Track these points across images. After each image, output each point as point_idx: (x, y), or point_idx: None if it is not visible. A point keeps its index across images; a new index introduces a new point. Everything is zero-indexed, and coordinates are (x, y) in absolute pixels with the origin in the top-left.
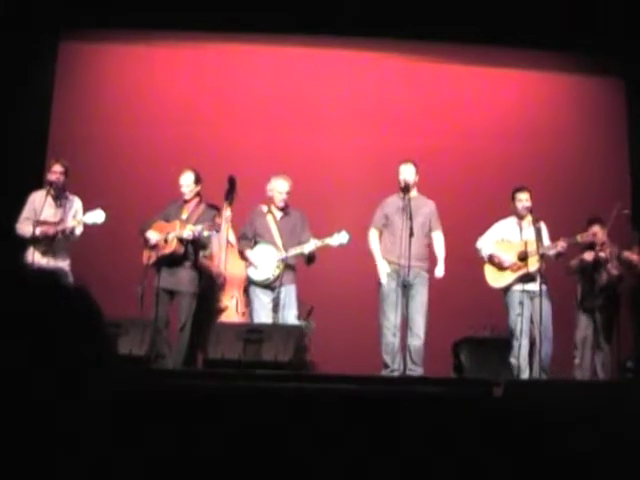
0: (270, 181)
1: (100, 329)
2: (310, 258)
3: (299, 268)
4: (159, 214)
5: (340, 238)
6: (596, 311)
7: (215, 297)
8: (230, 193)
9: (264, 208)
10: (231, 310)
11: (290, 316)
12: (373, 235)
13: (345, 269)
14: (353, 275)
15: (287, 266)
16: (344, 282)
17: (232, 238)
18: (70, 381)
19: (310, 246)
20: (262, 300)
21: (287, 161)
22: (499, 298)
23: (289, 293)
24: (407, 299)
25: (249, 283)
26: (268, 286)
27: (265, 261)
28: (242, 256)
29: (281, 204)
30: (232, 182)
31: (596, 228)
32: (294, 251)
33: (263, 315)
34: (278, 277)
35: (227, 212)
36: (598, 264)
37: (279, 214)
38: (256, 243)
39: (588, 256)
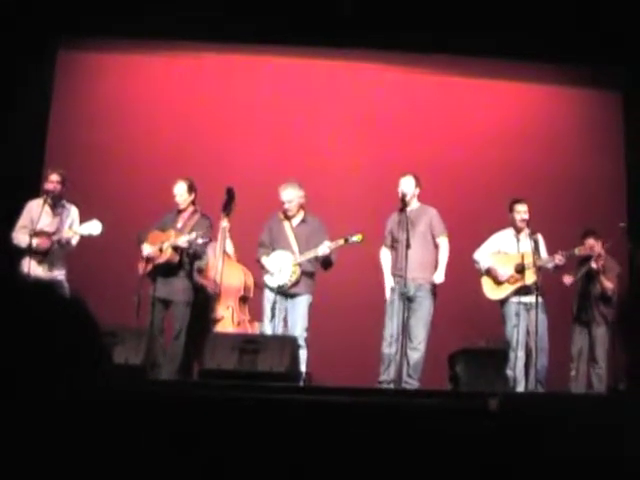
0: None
1: (96, 339)
2: (325, 262)
3: None
4: (156, 224)
5: (353, 238)
6: (591, 323)
7: (210, 307)
8: (228, 204)
9: (281, 215)
10: (227, 320)
11: (297, 327)
12: (382, 253)
13: (344, 280)
14: (352, 286)
15: (305, 273)
16: (342, 293)
17: (230, 249)
18: (67, 390)
19: (323, 248)
20: (277, 308)
21: (285, 171)
22: (495, 309)
23: (300, 303)
24: (408, 311)
25: (265, 289)
26: (283, 293)
27: (281, 267)
28: (258, 263)
29: (289, 212)
30: (230, 193)
31: (591, 241)
32: (308, 255)
33: (278, 323)
34: (295, 283)
35: (224, 223)
36: (592, 276)
37: (296, 221)
38: (274, 250)
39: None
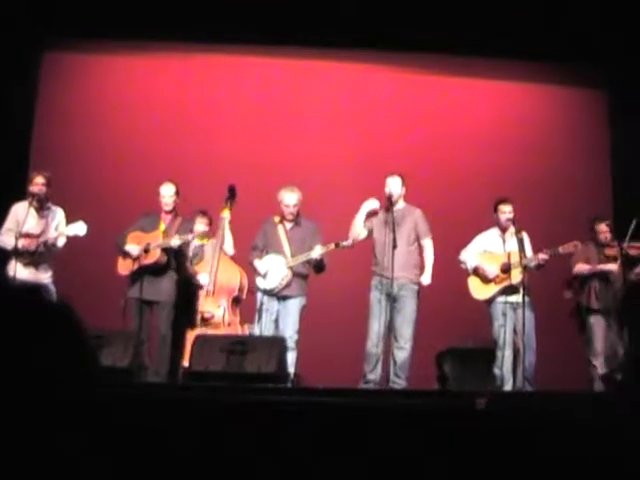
0: (279, 193)
1: (82, 344)
2: (318, 266)
3: None
4: (131, 227)
5: (344, 243)
6: (611, 315)
7: (198, 306)
8: (230, 200)
9: (276, 219)
10: (218, 319)
11: (288, 329)
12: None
13: (330, 281)
14: (339, 286)
15: (297, 275)
16: (329, 293)
17: (229, 243)
18: (53, 394)
19: (315, 252)
20: (268, 310)
21: (274, 170)
22: (483, 309)
23: (292, 305)
24: (393, 311)
25: (257, 292)
26: (274, 295)
27: (273, 270)
28: (251, 266)
29: (289, 217)
30: (232, 191)
31: (603, 226)
32: (300, 258)
33: (268, 325)
34: (286, 286)
35: (225, 214)
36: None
37: (289, 224)
38: (267, 254)
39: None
